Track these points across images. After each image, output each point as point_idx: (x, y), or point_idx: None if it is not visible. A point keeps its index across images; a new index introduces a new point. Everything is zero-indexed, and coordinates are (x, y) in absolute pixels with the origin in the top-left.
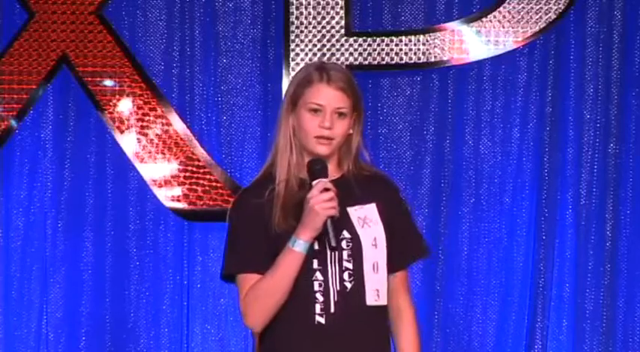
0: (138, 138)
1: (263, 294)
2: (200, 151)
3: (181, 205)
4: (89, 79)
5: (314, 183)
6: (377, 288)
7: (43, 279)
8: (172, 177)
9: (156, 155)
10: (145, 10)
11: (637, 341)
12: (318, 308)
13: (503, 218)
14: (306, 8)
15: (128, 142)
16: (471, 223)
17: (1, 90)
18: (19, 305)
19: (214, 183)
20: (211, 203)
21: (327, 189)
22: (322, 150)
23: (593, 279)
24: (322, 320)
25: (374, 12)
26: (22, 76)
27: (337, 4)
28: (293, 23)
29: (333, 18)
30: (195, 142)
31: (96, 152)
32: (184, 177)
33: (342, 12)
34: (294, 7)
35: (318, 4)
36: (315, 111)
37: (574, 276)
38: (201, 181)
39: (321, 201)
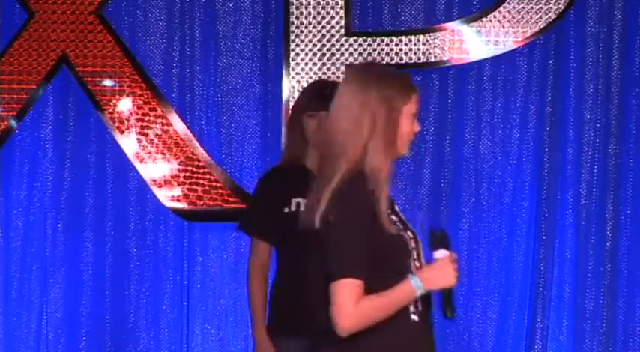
0: (138, 138)
1: (375, 313)
2: (200, 151)
3: (181, 205)
4: (89, 79)
5: (444, 253)
6: None
7: (43, 279)
8: (172, 177)
9: (156, 155)
10: (145, 10)
11: (637, 341)
12: (411, 306)
13: (503, 218)
14: (306, 8)
15: (128, 142)
16: (471, 223)
17: (1, 90)
18: (19, 305)
19: (214, 183)
20: (211, 203)
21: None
22: (407, 151)
23: (593, 279)
24: (416, 318)
25: (374, 12)
26: (22, 76)
27: (337, 4)
28: (293, 23)
29: (333, 18)
30: (195, 142)
31: (96, 152)
32: (184, 177)
33: (342, 12)
34: (294, 7)
35: (318, 4)
36: (415, 116)
37: (574, 276)
38: (201, 181)
39: (452, 270)
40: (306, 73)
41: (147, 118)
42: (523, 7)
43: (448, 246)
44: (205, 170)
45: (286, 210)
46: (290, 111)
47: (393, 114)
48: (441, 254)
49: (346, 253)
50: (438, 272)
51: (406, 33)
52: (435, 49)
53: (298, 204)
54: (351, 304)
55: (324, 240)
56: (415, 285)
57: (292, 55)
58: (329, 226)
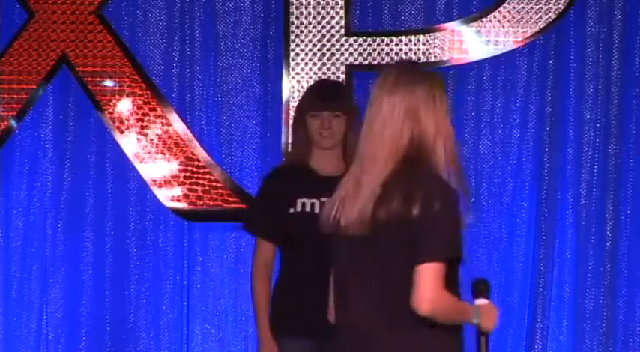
0: (138, 138)
1: (451, 310)
2: (200, 151)
3: (181, 205)
4: (89, 79)
5: (484, 302)
6: None
7: (43, 279)
8: (172, 177)
9: (156, 155)
10: (145, 10)
11: (637, 341)
12: None
13: (503, 218)
14: (306, 8)
15: (128, 142)
16: (471, 223)
17: (1, 90)
18: (19, 305)
19: (214, 183)
20: (211, 203)
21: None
22: None
23: (593, 279)
24: None
25: (374, 12)
26: (22, 76)
27: (337, 4)
28: (293, 23)
29: (333, 18)
30: (195, 142)
31: (96, 152)
32: (184, 177)
33: (342, 12)
34: (294, 7)
35: (318, 4)
36: None
37: (574, 276)
38: (201, 181)
39: (495, 317)
40: (306, 73)
41: (147, 118)
42: (523, 7)
43: (489, 296)
44: (205, 170)
45: (292, 210)
46: (294, 112)
47: (446, 114)
48: (482, 302)
49: (439, 240)
50: (487, 311)
51: (406, 33)
52: (435, 49)
53: (303, 205)
54: (439, 287)
55: (416, 228)
56: (476, 313)
57: (292, 55)
58: (424, 216)
